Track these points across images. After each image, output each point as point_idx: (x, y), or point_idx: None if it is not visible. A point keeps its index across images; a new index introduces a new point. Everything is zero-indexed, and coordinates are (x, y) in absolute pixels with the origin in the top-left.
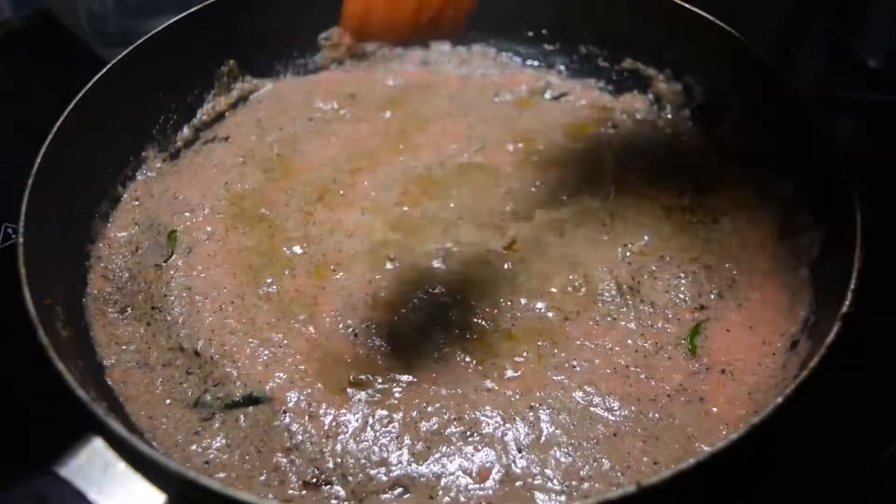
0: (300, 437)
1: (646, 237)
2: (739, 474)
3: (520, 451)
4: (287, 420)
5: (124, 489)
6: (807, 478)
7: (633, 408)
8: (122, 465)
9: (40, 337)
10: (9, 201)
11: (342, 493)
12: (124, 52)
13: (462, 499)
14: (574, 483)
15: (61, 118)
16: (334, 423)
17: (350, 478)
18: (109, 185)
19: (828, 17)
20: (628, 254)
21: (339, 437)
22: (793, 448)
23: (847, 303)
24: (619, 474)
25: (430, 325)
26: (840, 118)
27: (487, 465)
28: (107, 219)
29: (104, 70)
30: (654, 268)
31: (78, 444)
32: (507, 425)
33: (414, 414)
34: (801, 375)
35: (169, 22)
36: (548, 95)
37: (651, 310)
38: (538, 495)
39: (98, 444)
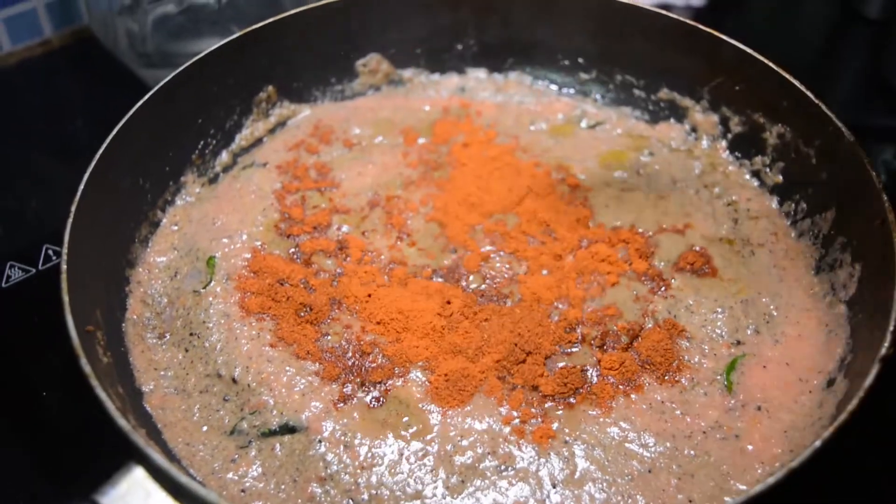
0: (335, 467)
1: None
2: None
3: (554, 487)
4: (322, 450)
5: None
6: None
7: (668, 444)
8: (161, 495)
9: (83, 365)
10: (49, 222)
11: None
12: (165, 79)
13: None
14: None
15: (104, 144)
16: (370, 455)
17: None
18: (149, 210)
19: (862, 46)
20: (663, 288)
21: (375, 469)
22: (829, 490)
23: (886, 345)
24: None
25: (466, 355)
26: (877, 147)
27: (521, 499)
28: (146, 243)
29: (146, 97)
30: (690, 301)
31: (119, 473)
32: (542, 460)
33: (448, 447)
34: (839, 418)
35: (209, 49)
36: (584, 124)
37: (687, 344)
38: None
39: (138, 473)
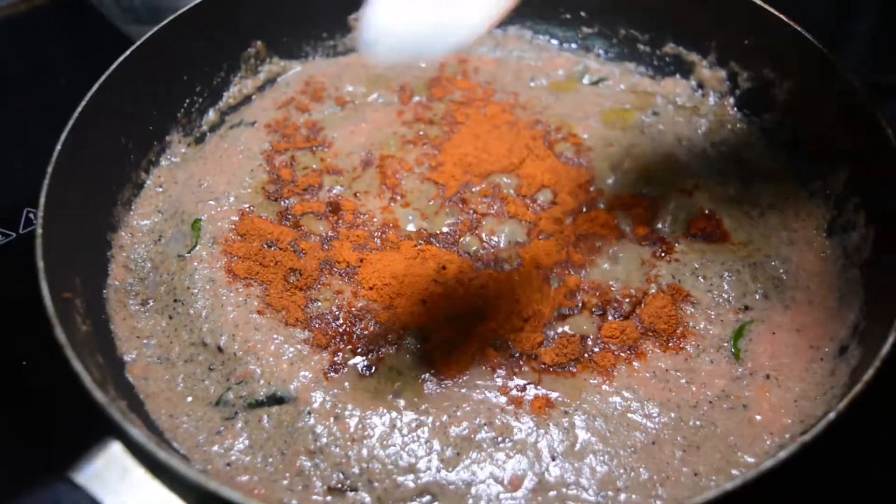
0: (325, 439)
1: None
2: (786, 490)
3: (553, 459)
4: (311, 421)
5: (142, 497)
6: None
7: (672, 414)
8: (140, 472)
9: (57, 334)
10: (30, 184)
11: (368, 499)
12: (149, 33)
13: None
14: (610, 493)
15: (84, 101)
16: (360, 426)
17: (376, 484)
18: (132, 171)
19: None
20: (668, 251)
21: (366, 441)
22: (842, 465)
23: None
24: (657, 485)
25: (462, 322)
26: (892, 104)
27: (520, 472)
28: (129, 206)
29: (128, 51)
30: (696, 265)
31: (95, 448)
32: (541, 431)
33: (444, 418)
34: (854, 389)
35: (195, 1)
36: (586, 80)
37: (693, 309)
38: None
39: (116, 448)
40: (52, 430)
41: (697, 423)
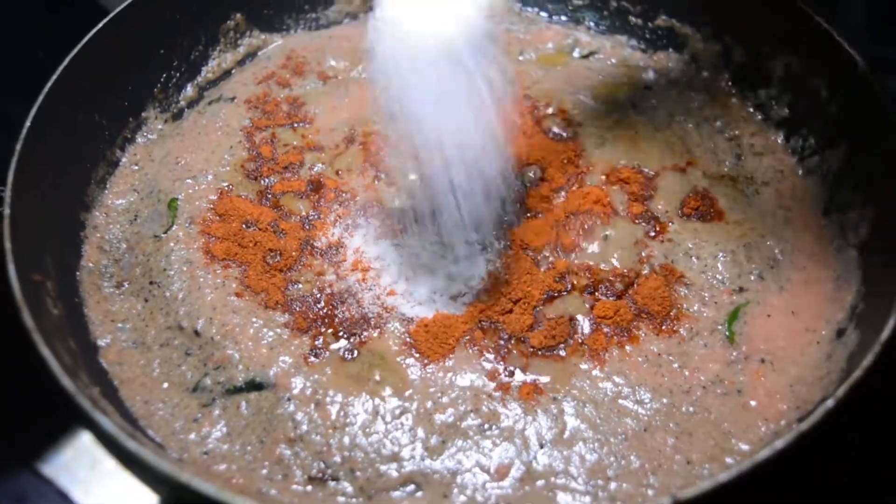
0: (305, 426)
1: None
2: (780, 479)
3: (541, 447)
4: (291, 408)
5: (113, 490)
6: (856, 485)
7: (664, 400)
8: (110, 463)
9: (24, 318)
10: (4, 162)
11: (350, 489)
12: (123, 4)
13: (479, 498)
14: (600, 482)
15: (55, 75)
16: (342, 413)
17: (358, 473)
18: (107, 148)
19: None
20: (660, 231)
21: (347, 429)
22: (840, 454)
23: None
24: (649, 473)
25: (446, 305)
26: (891, 79)
27: (506, 461)
28: (104, 185)
29: (102, 23)
30: (690, 245)
31: (63, 438)
32: (529, 418)
33: (428, 404)
34: (853, 375)
35: None
36: (576, 54)
37: (686, 291)
38: (560, 495)
39: (85, 438)
40: (18, 418)
41: (690, 409)
